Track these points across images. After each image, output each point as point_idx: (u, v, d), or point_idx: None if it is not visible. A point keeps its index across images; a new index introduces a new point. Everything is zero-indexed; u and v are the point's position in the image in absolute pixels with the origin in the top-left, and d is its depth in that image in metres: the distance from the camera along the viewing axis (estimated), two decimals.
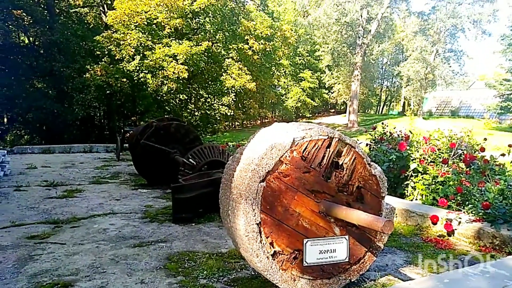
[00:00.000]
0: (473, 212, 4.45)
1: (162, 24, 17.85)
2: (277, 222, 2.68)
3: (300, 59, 42.35)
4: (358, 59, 32.94)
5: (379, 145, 6.96)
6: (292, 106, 42.05)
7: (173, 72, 16.92)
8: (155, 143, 7.57)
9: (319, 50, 38.75)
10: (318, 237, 2.80)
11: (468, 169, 5.74)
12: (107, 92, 19.03)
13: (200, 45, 17.91)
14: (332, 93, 43.60)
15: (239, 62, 20.40)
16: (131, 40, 17.18)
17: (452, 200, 4.91)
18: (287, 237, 2.71)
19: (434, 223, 4.63)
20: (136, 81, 18.06)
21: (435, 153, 6.05)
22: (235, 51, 20.30)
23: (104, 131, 23.06)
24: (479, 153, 6.38)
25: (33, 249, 3.92)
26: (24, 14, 18.82)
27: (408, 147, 6.23)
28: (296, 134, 2.78)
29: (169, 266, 3.50)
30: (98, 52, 18.91)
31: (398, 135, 7.24)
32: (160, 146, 7.56)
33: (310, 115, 48.82)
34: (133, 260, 3.66)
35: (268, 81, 25.91)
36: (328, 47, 35.31)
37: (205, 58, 18.59)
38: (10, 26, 18.77)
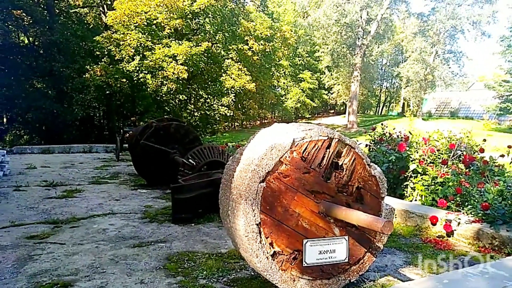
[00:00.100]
0: (472, 213, 4.46)
1: (162, 24, 17.85)
2: (277, 222, 2.68)
3: (299, 60, 42.38)
4: (358, 60, 32.96)
5: (378, 146, 6.97)
6: (292, 107, 42.06)
7: (173, 73, 16.93)
8: (154, 144, 7.57)
9: (318, 51, 38.76)
10: (318, 238, 2.81)
11: (467, 170, 5.75)
12: (107, 92, 19.03)
13: (200, 45, 17.92)
14: (331, 94, 43.62)
15: (239, 63, 20.41)
16: (131, 40, 17.18)
17: (452, 201, 4.91)
18: (286, 237, 2.72)
19: (434, 224, 4.64)
20: (135, 81, 18.06)
21: (435, 154, 6.06)
22: (235, 52, 20.30)
23: (103, 131, 23.05)
24: (478, 154, 6.39)
25: (33, 249, 3.92)
26: (24, 14, 18.81)
27: (407, 148, 6.23)
28: (296, 134, 2.78)
29: (169, 266, 3.50)
30: (97, 53, 18.90)
31: (398, 136, 7.25)
32: (160, 147, 7.56)
33: (310, 116, 48.82)
34: (132, 260, 3.66)
35: (267, 82, 25.92)
36: (327, 48, 35.32)
37: (204, 58, 18.60)
38: (10, 26, 18.77)
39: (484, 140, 6.92)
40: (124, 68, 17.58)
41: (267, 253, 2.65)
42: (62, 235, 4.42)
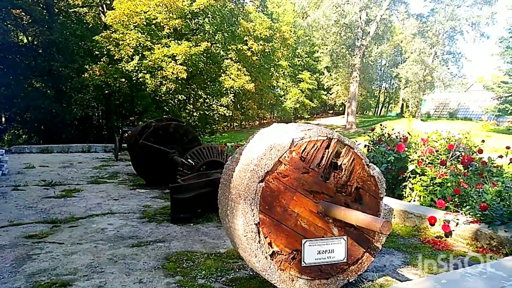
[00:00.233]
0: (470, 213, 4.47)
1: (161, 24, 17.85)
2: (275, 222, 2.69)
3: (299, 60, 42.42)
4: (357, 61, 33.00)
5: (377, 147, 6.98)
6: (291, 107, 42.10)
7: (172, 73, 16.93)
8: (153, 143, 7.57)
9: (318, 51, 38.80)
10: (317, 238, 2.81)
11: (466, 170, 5.76)
12: (106, 92, 19.02)
13: (199, 45, 17.92)
14: (330, 94, 43.66)
15: (238, 63, 20.42)
16: (130, 40, 17.18)
17: (450, 202, 4.92)
18: (285, 237, 2.72)
19: (432, 224, 4.64)
20: (134, 81, 18.06)
21: (433, 155, 6.07)
22: (234, 52, 20.31)
23: (102, 131, 23.06)
24: (477, 155, 6.40)
25: (31, 249, 3.91)
26: (23, 13, 18.81)
27: (406, 149, 6.24)
28: (295, 134, 2.79)
29: (168, 266, 3.50)
30: (97, 52, 18.90)
31: (396, 136, 7.25)
32: (159, 146, 7.56)
33: (309, 116, 48.85)
34: (131, 260, 3.66)
35: (267, 82, 25.92)
36: (327, 48, 35.35)
37: (204, 58, 18.60)
38: (9, 26, 18.76)
39: (483, 141, 6.93)
40: (123, 68, 17.58)
41: (266, 252, 2.65)
42: (61, 235, 4.42)
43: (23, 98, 18.33)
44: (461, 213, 4.60)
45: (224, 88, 19.84)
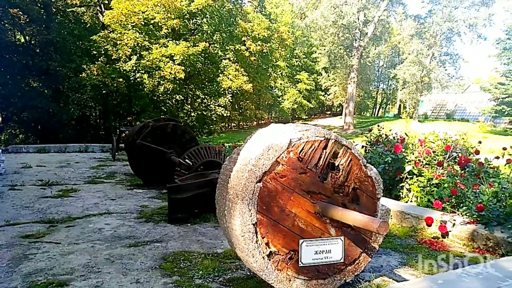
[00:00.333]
0: (467, 214, 4.49)
1: (159, 24, 17.83)
2: (273, 222, 2.69)
3: (297, 61, 42.45)
4: (355, 62, 33.06)
5: (374, 147, 6.99)
6: (289, 108, 42.10)
7: (170, 73, 16.91)
8: (151, 143, 7.56)
9: (315, 52, 38.84)
10: (314, 238, 2.81)
11: (462, 171, 5.78)
12: (103, 92, 18.98)
13: (197, 45, 17.91)
14: (328, 95, 43.70)
15: (236, 63, 20.42)
16: (128, 40, 17.15)
17: (447, 202, 4.94)
18: (283, 237, 2.72)
19: (429, 225, 4.66)
20: (132, 81, 18.03)
21: (430, 156, 6.09)
22: (232, 52, 20.31)
23: (99, 131, 23.02)
24: (473, 156, 6.43)
25: (28, 248, 3.90)
26: (20, 12, 18.73)
27: (403, 150, 6.26)
28: (293, 135, 2.79)
29: (165, 266, 3.50)
30: (94, 52, 18.86)
31: (394, 137, 7.27)
32: (156, 146, 7.55)
33: (306, 117, 48.91)
34: (128, 260, 3.65)
35: (264, 83, 25.95)
36: (324, 49, 35.41)
37: (202, 59, 18.59)
38: (6, 25, 18.71)
39: (480, 142, 6.96)
40: (121, 68, 17.55)
41: (263, 253, 2.66)
42: (58, 235, 4.40)
43: (20, 97, 18.26)
44: (458, 214, 4.62)
45: (222, 89, 19.83)
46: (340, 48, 34.50)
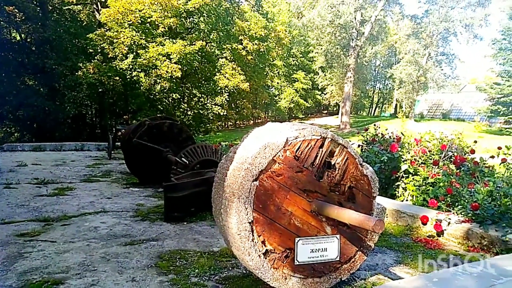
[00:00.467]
0: (462, 213, 4.51)
1: (156, 23, 17.80)
2: (269, 221, 2.70)
3: (293, 60, 42.50)
4: (351, 61, 33.12)
5: (371, 146, 7.01)
6: (285, 107, 42.16)
7: (166, 71, 16.88)
8: (147, 142, 7.54)
9: (312, 51, 38.85)
10: (310, 236, 2.82)
11: (458, 170, 5.81)
12: (100, 90, 18.94)
13: (194, 44, 17.89)
14: (325, 94, 43.77)
15: (233, 62, 20.42)
16: (124, 38, 17.10)
17: (442, 201, 4.96)
18: (279, 236, 2.73)
19: (424, 224, 4.68)
20: (128, 79, 17.98)
21: (426, 155, 6.11)
22: (229, 51, 20.31)
23: (95, 129, 22.94)
24: (469, 155, 6.45)
25: (23, 247, 3.88)
26: (16, 10, 18.63)
27: (399, 149, 6.28)
28: (290, 133, 2.80)
29: (161, 265, 3.50)
30: (91, 50, 18.80)
31: (390, 136, 7.29)
32: (153, 145, 7.53)
33: (303, 116, 48.95)
34: (124, 258, 3.64)
35: (261, 82, 25.97)
36: (321, 48, 35.43)
37: (198, 57, 18.58)
38: (2, 23, 18.60)
39: (475, 141, 6.98)
40: (117, 66, 17.50)
41: (259, 251, 2.66)
42: (53, 233, 4.39)
43: (16, 95, 18.17)
44: (453, 213, 4.65)
45: (219, 87, 19.83)
46: (337, 48, 34.54)
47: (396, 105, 51.48)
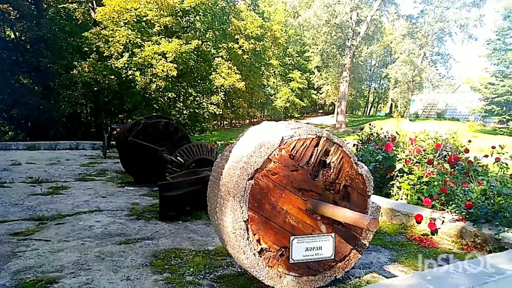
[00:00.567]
0: (456, 211, 4.55)
1: (152, 21, 17.71)
2: (264, 219, 2.70)
3: (289, 60, 42.51)
4: (347, 61, 33.18)
5: (366, 146, 7.04)
6: (281, 106, 42.17)
7: (162, 70, 16.81)
8: (143, 141, 7.52)
9: (308, 51, 38.89)
10: (305, 235, 2.83)
11: (452, 169, 5.85)
12: (95, 89, 18.82)
13: (190, 43, 17.82)
14: (320, 94, 43.81)
15: (229, 61, 20.37)
16: (120, 37, 16.99)
17: (436, 200, 5.00)
18: (274, 234, 2.73)
19: (419, 222, 4.71)
20: (124, 78, 17.88)
21: (421, 154, 6.15)
22: (225, 50, 20.25)
23: (90, 128, 22.83)
24: (463, 154, 6.50)
25: (17, 246, 3.86)
26: (10, 8, 18.49)
27: (394, 148, 6.31)
28: (285, 132, 2.80)
29: (155, 263, 3.49)
30: (86, 49, 18.67)
31: (385, 136, 7.33)
32: (148, 144, 7.51)
33: (299, 116, 49.00)
34: (118, 257, 3.63)
35: (257, 81, 25.93)
36: (317, 48, 35.47)
37: (194, 56, 18.51)
38: None
39: (469, 141, 7.03)
40: (112, 65, 17.40)
41: (254, 249, 2.67)
42: (47, 232, 4.37)
43: (10, 94, 18.03)
44: (447, 211, 4.68)
45: (215, 87, 19.79)
46: (333, 47, 34.60)
47: (391, 104, 51.62)
